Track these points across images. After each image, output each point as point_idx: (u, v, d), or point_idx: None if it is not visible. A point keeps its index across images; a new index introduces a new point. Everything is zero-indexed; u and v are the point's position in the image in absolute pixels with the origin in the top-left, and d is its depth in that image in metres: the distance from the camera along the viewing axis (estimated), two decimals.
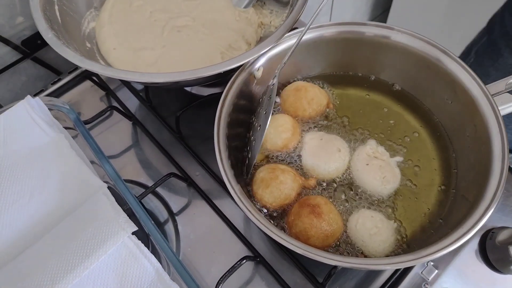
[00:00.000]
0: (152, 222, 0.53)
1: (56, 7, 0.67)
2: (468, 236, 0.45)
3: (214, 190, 0.70)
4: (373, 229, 0.54)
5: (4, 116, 0.60)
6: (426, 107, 0.66)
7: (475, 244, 0.61)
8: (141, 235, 0.53)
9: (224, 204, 0.68)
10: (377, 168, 0.59)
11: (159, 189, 0.70)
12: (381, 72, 0.68)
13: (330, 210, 0.55)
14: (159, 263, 0.51)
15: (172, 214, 0.69)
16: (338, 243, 0.55)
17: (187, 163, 0.72)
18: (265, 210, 0.58)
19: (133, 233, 0.51)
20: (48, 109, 0.62)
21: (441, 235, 0.50)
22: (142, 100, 0.79)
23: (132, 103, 0.81)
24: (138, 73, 0.55)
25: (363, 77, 0.70)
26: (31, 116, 0.60)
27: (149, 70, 0.67)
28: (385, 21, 1.93)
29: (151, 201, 0.71)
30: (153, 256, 0.51)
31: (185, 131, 0.75)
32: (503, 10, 0.90)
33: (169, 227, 0.68)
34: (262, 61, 0.62)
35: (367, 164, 0.60)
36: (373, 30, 0.63)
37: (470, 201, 0.51)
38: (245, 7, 0.76)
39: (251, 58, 0.58)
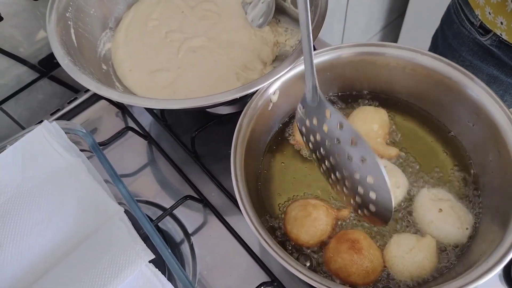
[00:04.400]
0: (169, 250, 0.52)
1: (72, 30, 0.67)
2: (495, 271, 0.44)
3: (230, 211, 0.69)
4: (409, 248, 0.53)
5: (22, 142, 0.60)
6: (446, 128, 0.65)
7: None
8: (157, 259, 0.52)
9: (240, 225, 0.67)
10: (452, 211, 0.55)
11: (174, 210, 0.70)
12: (401, 92, 0.67)
13: (370, 245, 0.53)
14: None
15: (187, 235, 0.69)
16: (380, 278, 0.54)
17: (202, 183, 0.72)
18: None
19: None
20: (65, 132, 0.62)
21: (464, 266, 0.49)
22: (157, 119, 0.79)
23: (146, 119, 0.82)
24: (154, 100, 0.55)
25: (381, 97, 0.69)
26: (48, 141, 0.60)
27: (164, 92, 0.67)
28: (400, 26, 1.90)
29: (167, 222, 0.70)
30: (170, 284, 0.51)
31: (200, 150, 0.74)
32: (442, 24, 0.96)
33: (185, 247, 0.68)
34: (278, 84, 0.61)
35: (440, 210, 0.56)
36: (393, 51, 0.61)
37: (495, 229, 0.50)
38: (260, 25, 0.75)
39: (267, 83, 0.57)
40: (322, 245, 0.57)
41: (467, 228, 0.55)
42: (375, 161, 0.43)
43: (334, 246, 0.54)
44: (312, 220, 0.56)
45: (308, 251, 0.57)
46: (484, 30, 0.80)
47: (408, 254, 0.52)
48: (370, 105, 0.68)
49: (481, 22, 0.79)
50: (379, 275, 0.53)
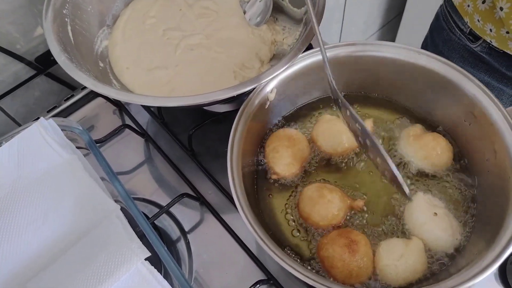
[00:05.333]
0: (165, 247, 0.52)
1: (69, 27, 0.67)
2: (490, 270, 0.44)
3: (227, 209, 0.69)
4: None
5: (18, 139, 0.60)
6: (442, 127, 0.65)
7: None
8: (153, 257, 0.52)
9: (236, 224, 0.67)
10: (446, 218, 0.55)
11: (171, 208, 0.70)
12: (396, 92, 0.67)
13: (366, 253, 0.53)
14: None
15: (184, 233, 0.69)
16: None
17: (199, 181, 0.72)
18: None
19: None
20: (61, 130, 0.62)
21: (459, 266, 0.50)
22: (154, 117, 0.79)
23: (143, 117, 0.81)
24: (151, 98, 0.55)
25: (377, 97, 0.69)
26: (44, 138, 0.60)
27: (162, 90, 0.67)
28: (398, 26, 1.90)
29: (164, 219, 0.70)
30: (166, 281, 0.51)
31: (197, 148, 0.74)
32: (431, 31, 0.96)
33: (182, 245, 0.68)
34: (275, 82, 0.61)
35: (435, 214, 0.55)
36: (390, 50, 0.61)
37: (490, 231, 0.50)
38: (258, 24, 0.75)
39: (264, 81, 0.57)
40: (332, 229, 0.57)
41: (457, 239, 0.55)
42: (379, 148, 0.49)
43: (333, 236, 0.54)
44: (326, 202, 0.56)
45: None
46: (474, 37, 0.80)
47: (400, 261, 0.52)
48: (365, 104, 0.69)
49: (471, 29, 0.79)
50: (360, 282, 0.53)
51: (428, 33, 1.00)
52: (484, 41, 0.78)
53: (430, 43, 0.96)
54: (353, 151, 0.64)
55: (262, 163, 0.64)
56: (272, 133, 0.65)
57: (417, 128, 0.63)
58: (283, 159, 0.61)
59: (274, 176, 0.62)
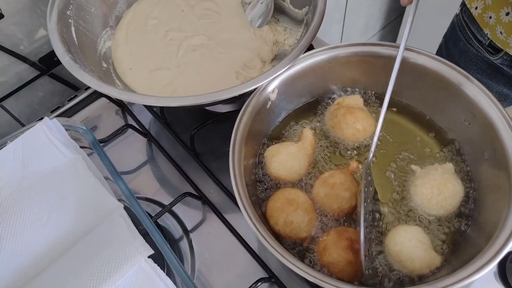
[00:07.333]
0: (168, 246, 0.53)
1: (73, 28, 0.68)
2: (489, 267, 0.44)
3: (229, 208, 0.70)
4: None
5: (22, 138, 0.61)
6: (439, 126, 0.66)
7: (494, 266, 0.60)
8: (156, 255, 0.53)
9: (238, 222, 0.68)
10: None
11: (173, 207, 0.71)
12: (398, 91, 0.67)
13: None
14: (175, 286, 0.51)
15: (186, 231, 0.69)
16: None
17: (201, 181, 0.73)
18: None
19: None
20: (65, 129, 0.63)
21: (457, 263, 0.50)
22: (157, 117, 0.79)
23: (146, 117, 0.82)
24: (154, 98, 0.56)
25: (376, 97, 0.70)
26: (48, 138, 0.61)
27: (165, 90, 0.68)
28: (399, 27, 1.91)
29: (167, 218, 0.71)
30: (169, 279, 0.52)
31: (199, 148, 0.75)
32: (446, 41, 0.92)
33: (184, 244, 0.68)
34: (276, 82, 0.62)
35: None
36: (391, 51, 0.62)
37: (489, 228, 0.51)
38: (260, 25, 0.76)
39: (265, 81, 0.57)
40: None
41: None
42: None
43: (333, 240, 0.54)
44: (339, 186, 0.58)
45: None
46: (494, 49, 0.77)
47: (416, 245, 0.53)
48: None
49: (491, 41, 0.76)
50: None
51: (442, 42, 0.96)
52: (506, 53, 0.74)
53: (445, 53, 0.93)
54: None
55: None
56: (267, 208, 0.59)
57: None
58: (304, 222, 0.57)
59: (307, 243, 0.58)
